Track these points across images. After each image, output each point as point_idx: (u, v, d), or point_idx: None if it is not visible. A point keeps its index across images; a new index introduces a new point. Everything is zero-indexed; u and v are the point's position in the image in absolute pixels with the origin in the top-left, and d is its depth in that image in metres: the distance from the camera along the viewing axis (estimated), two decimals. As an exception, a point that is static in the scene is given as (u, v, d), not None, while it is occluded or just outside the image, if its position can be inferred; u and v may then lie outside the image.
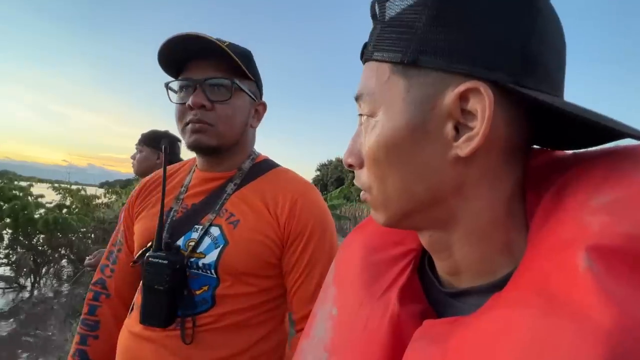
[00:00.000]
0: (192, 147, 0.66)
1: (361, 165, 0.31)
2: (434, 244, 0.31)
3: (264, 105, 0.76)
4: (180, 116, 0.66)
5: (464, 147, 0.26)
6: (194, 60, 0.66)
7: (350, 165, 0.33)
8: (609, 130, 0.23)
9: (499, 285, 0.26)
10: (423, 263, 0.35)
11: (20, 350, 2.48)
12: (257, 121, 0.74)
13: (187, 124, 0.65)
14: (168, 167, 0.79)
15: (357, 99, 0.31)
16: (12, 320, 3.05)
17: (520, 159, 0.29)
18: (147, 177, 0.80)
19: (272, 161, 0.77)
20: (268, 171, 0.73)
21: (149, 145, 1.57)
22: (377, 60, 0.29)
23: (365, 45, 0.31)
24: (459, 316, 0.27)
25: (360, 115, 0.31)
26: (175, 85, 0.67)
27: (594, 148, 0.28)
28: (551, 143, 0.31)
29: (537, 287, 0.21)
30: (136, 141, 1.63)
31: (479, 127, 0.25)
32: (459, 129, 0.26)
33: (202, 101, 0.63)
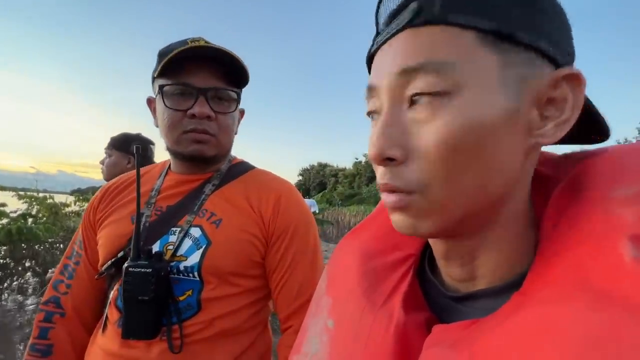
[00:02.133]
0: (192, 156, 0.65)
1: (404, 159, 0.25)
2: (455, 251, 0.28)
3: (243, 112, 0.76)
4: (177, 123, 0.63)
5: (548, 135, 0.24)
6: (191, 64, 0.61)
7: (385, 160, 0.26)
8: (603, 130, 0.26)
9: (513, 285, 0.24)
10: (422, 268, 0.33)
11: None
12: (237, 127, 0.75)
13: (187, 132, 0.63)
14: (130, 173, 0.75)
15: (407, 72, 0.25)
16: (-32, 340, 2.81)
17: None
18: (110, 182, 0.75)
19: (248, 163, 0.77)
20: (247, 172, 0.72)
21: (119, 149, 1.47)
22: (455, 24, 0.24)
23: (420, 6, 0.25)
24: (474, 319, 0.24)
25: (416, 94, 0.24)
26: (169, 88, 0.62)
27: (586, 149, 0.29)
28: None
29: (577, 281, 0.20)
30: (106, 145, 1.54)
31: (568, 114, 0.24)
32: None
33: (208, 112, 0.62)
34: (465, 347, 0.22)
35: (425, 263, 0.33)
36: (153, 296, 0.55)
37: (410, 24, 0.25)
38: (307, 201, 4.56)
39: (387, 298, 0.30)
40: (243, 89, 0.71)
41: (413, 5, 0.25)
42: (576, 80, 0.24)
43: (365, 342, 0.29)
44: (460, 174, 0.24)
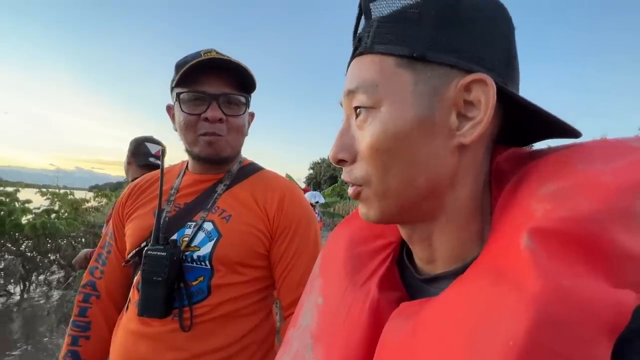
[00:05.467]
0: (207, 157, 0.71)
1: (354, 160, 0.31)
2: (415, 236, 0.33)
3: (253, 115, 0.82)
4: (192, 126, 0.70)
5: (468, 135, 0.28)
6: (204, 73, 0.68)
7: (340, 161, 0.32)
8: (560, 129, 0.28)
9: (465, 269, 0.28)
10: (402, 254, 0.38)
11: (10, 359, 2.44)
12: (248, 129, 0.80)
13: (202, 135, 0.70)
14: (154, 173, 0.83)
15: (351, 92, 0.31)
16: (1, 328, 2.99)
17: (491, 153, 0.31)
18: (135, 181, 0.83)
19: (257, 164, 0.83)
20: (255, 173, 0.79)
21: (128, 151, 1.69)
22: (379, 53, 0.29)
23: (359, 39, 0.31)
24: (430, 297, 0.29)
25: (356, 108, 0.31)
26: (185, 95, 0.69)
27: (547, 146, 0.31)
28: (507, 140, 0.33)
29: (489, 266, 0.24)
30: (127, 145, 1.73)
31: (482, 114, 0.27)
32: (458, 120, 0.28)
33: (220, 115, 0.69)
34: (414, 319, 0.27)
35: (403, 250, 0.38)
36: (166, 277, 0.62)
37: (355, 54, 0.32)
38: (312, 194, 4.62)
39: (366, 280, 0.35)
40: (252, 94, 0.77)
41: (357, 40, 0.32)
42: (483, 83, 0.27)
43: (345, 315, 0.34)
44: (388, 171, 0.29)
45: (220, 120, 0.69)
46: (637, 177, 0.23)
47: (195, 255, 0.66)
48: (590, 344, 0.19)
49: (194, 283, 0.65)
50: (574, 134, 0.28)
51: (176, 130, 0.74)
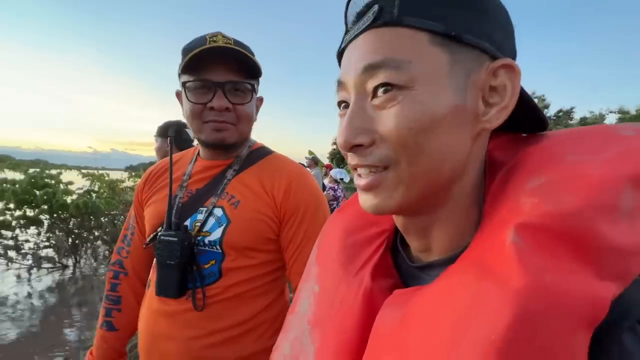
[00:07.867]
0: (215, 144, 0.72)
1: (372, 143, 0.28)
2: (412, 226, 0.32)
3: (262, 100, 0.81)
4: (198, 114, 0.70)
5: (494, 120, 0.28)
6: (210, 60, 0.67)
7: (356, 146, 0.28)
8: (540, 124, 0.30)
9: (457, 258, 0.28)
10: (396, 241, 0.38)
11: (66, 324, 2.75)
12: (257, 114, 0.79)
13: (207, 122, 0.70)
14: (168, 159, 0.83)
15: (373, 67, 0.27)
16: (58, 296, 3.36)
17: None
18: (152, 167, 0.86)
19: (267, 148, 0.83)
20: (264, 157, 0.79)
21: (160, 135, 1.78)
22: (410, 26, 0.26)
23: (380, 8, 0.27)
24: (422, 285, 0.29)
25: (381, 85, 0.27)
26: (191, 84, 0.69)
27: (542, 133, 0.32)
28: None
29: (476, 260, 0.25)
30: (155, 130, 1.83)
31: (507, 100, 0.27)
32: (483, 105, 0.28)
33: (226, 104, 0.69)
34: (404, 308, 0.28)
35: (397, 237, 0.37)
36: (178, 261, 0.66)
37: (372, 24, 0.28)
38: (337, 171, 4.55)
39: (360, 268, 0.35)
40: (259, 78, 0.75)
41: (374, 8, 0.28)
42: (511, 69, 0.27)
43: (339, 305, 0.34)
44: (418, 155, 0.27)
45: (227, 109, 0.69)
46: (623, 170, 0.23)
47: (206, 240, 0.69)
48: (569, 337, 0.20)
49: (206, 266, 0.69)
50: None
51: (184, 117, 0.74)
